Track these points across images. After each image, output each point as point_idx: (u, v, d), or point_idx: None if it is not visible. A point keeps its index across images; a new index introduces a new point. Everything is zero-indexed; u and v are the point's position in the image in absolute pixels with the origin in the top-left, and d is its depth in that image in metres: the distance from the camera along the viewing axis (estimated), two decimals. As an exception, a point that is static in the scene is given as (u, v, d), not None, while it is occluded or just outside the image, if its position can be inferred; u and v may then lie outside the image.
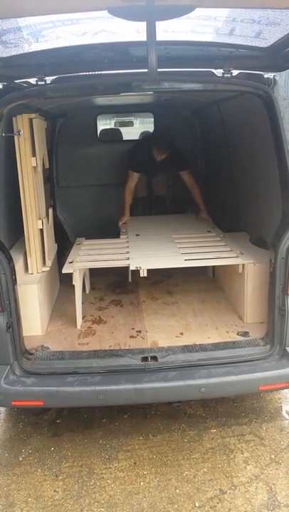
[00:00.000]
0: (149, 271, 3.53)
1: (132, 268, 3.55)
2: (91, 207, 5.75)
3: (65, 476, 2.98)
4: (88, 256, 3.95)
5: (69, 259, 3.77)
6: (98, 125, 6.10)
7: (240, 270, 3.57)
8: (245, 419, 3.45)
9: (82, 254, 3.99)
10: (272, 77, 3.06)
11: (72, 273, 3.58)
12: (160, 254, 3.85)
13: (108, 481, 2.92)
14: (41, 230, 3.71)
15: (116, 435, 3.32)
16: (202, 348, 3.18)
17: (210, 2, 2.09)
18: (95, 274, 4.61)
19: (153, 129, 6.23)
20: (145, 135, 6.45)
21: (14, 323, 2.92)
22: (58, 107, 4.66)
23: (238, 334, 3.39)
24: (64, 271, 3.59)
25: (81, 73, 3.05)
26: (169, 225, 4.82)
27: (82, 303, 3.90)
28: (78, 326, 3.61)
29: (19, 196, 3.55)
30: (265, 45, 2.76)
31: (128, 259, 3.73)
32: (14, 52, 2.70)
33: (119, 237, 4.52)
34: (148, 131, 6.70)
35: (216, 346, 3.19)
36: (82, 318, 3.75)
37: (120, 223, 4.94)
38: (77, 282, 3.62)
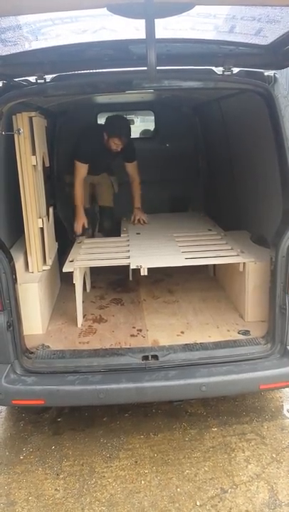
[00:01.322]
0: (149, 269, 3.53)
1: (132, 267, 3.54)
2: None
3: (66, 474, 2.98)
4: (89, 255, 3.95)
5: (69, 258, 3.77)
6: (99, 123, 6.08)
7: (241, 269, 3.56)
8: (247, 417, 3.45)
9: (82, 252, 3.99)
10: (272, 74, 3.04)
11: (72, 272, 3.57)
12: (161, 253, 3.85)
13: (109, 479, 2.92)
14: (42, 229, 3.71)
15: (117, 434, 3.32)
16: (203, 346, 3.18)
17: (209, -1, 2.08)
18: (95, 272, 4.61)
19: (154, 126, 6.23)
20: (93, 123, 5.84)
21: (15, 322, 2.92)
22: (58, 105, 4.65)
23: (238, 333, 3.39)
24: (64, 270, 3.58)
25: (81, 71, 3.04)
26: (170, 224, 4.81)
27: (83, 301, 3.90)
28: (79, 325, 3.61)
29: (19, 195, 3.54)
30: (266, 43, 2.74)
31: (129, 257, 3.73)
32: (14, 50, 2.68)
33: (120, 235, 4.51)
34: (149, 130, 6.69)
35: (217, 345, 3.19)
36: (83, 317, 3.74)
37: (79, 232, 4.48)
38: (77, 281, 3.62)
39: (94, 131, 4.67)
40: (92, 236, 5.05)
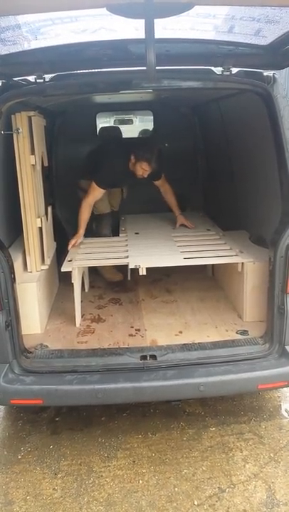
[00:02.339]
0: (148, 269, 3.53)
1: (131, 266, 3.54)
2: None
3: (64, 474, 2.99)
4: (87, 254, 3.95)
5: (68, 258, 3.77)
6: (97, 123, 6.09)
7: (240, 269, 3.56)
8: (245, 417, 3.46)
9: (81, 252, 3.98)
10: (271, 75, 3.05)
11: (71, 271, 3.57)
12: (159, 253, 3.85)
13: (107, 479, 2.93)
14: (40, 229, 3.70)
15: (115, 433, 3.32)
16: (201, 346, 3.18)
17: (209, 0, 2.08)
18: (94, 272, 4.61)
19: (153, 126, 6.23)
20: (115, 139, 5.37)
21: (13, 322, 2.92)
22: (57, 105, 4.65)
23: (237, 333, 3.39)
24: (63, 269, 3.58)
25: (80, 71, 3.04)
26: (169, 224, 4.81)
27: (82, 301, 3.90)
28: (77, 325, 3.61)
29: (18, 194, 3.54)
30: (265, 43, 2.75)
31: (127, 257, 3.73)
32: (13, 49, 2.68)
33: (119, 235, 4.51)
34: (147, 130, 6.68)
35: (215, 345, 3.19)
36: (82, 317, 3.74)
37: (70, 246, 4.03)
38: (76, 281, 3.62)
39: (120, 151, 4.27)
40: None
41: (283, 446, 3.16)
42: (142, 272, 3.50)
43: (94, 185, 4.15)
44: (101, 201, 4.43)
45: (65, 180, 5.46)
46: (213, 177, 5.54)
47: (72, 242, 4.08)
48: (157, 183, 4.61)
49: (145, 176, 4.13)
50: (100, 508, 2.71)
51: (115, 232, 4.70)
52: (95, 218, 4.62)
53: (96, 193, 4.18)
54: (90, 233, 4.61)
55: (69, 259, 3.72)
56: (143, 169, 4.07)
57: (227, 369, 2.94)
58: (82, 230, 4.18)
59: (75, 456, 3.13)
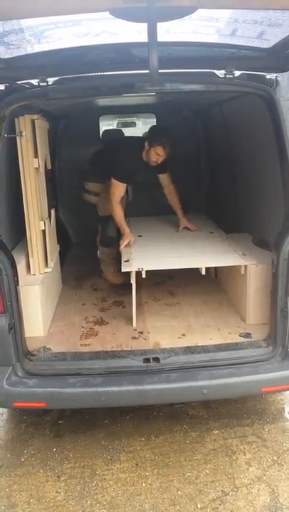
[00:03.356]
0: (151, 272, 3.53)
1: (134, 269, 3.54)
2: (94, 207, 5.74)
3: (67, 477, 2.98)
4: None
5: (124, 258, 3.76)
6: (100, 126, 6.10)
7: (243, 271, 3.56)
8: (248, 420, 3.45)
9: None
10: (274, 78, 3.05)
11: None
12: (162, 255, 3.85)
13: (110, 482, 2.92)
14: (43, 231, 3.71)
15: (118, 436, 3.32)
16: (204, 349, 3.18)
17: (211, 3, 2.08)
18: (97, 274, 4.62)
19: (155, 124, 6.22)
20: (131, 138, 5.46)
21: (16, 325, 2.92)
22: (60, 108, 4.66)
23: (240, 335, 3.39)
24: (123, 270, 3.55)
25: (83, 74, 3.05)
26: (172, 226, 4.81)
27: (84, 304, 3.90)
28: (134, 325, 3.60)
29: (21, 197, 3.55)
30: (267, 46, 2.75)
31: (128, 260, 3.73)
32: (16, 53, 2.70)
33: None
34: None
35: (218, 347, 3.19)
36: (85, 319, 3.75)
37: (123, 246, 4.03)
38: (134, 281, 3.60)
39: (133, 146, 4.36)
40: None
41: (287, 449, 3.15)
42: (143, 274, 3.51)
43: (115, 181, 4.17)
44: (107, 202, 4.41)
45: (69, 183, 5.48)
46: (215, 179, 5.54)
47: (125, 242, 4.08)
48: (162, 177, 4.61)
49: (159, 161, 4.16)
50: (103, 511, 2.71)
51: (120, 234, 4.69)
52: (100, 220, 4.63)
53: (120, 188, 4.19)
54: (94, 235, 4.62)
55: (125, 260, 3.69)
56: (158, 154, 4.10)
57: (230, 372, 2.93)
58: (127, 229, 4.19)
59: (78, 459, 3.13)
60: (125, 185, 4.26)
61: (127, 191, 4.89)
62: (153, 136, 4.20)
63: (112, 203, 4.19)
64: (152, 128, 4.56)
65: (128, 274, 3.61)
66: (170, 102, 5.24)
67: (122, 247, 4.03)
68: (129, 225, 4.92)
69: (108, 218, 4.47)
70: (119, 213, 4.21)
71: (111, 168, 4.22)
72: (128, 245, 4.06)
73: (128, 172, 4.25)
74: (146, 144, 4.15)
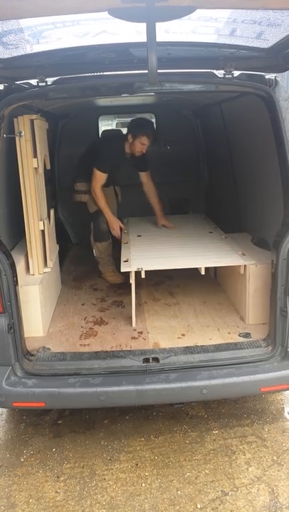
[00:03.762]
0: (150, 272, 3.53)
1: (133, 269, 3.54)
2: None
3: (67, 477, 2.98)
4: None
5: (123, 258, 3.77)
6: (100, 126, 6.10)
7: (242, 271, 3.56)
8: (247, 420, 3.45)
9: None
10: (273, 77, 3.05)
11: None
12: (161, 255, 3.85)
13: (110, 482, 2.92)
14: (43, 231, 3.71)
15: (118, 436, 3.32)
16: (204, 349, 3.18)
17: (210, 3, 2.08)
18: (96, 274, 4.62)
19: (155, 121, 6.23)
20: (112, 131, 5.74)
21: (15, 325, 2.92)
22: (59, 108, 4.66)
23: (239, 335, 3.39)
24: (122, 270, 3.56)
25: (82, 74, 3.05)
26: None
27: (83, 304, 3.89)
28: (133, 325, 3.61)
29: (20, 197, 3.55)
30: (266, 46, 2.76)
31: (129, 260, 3.73)
32: (15, 53, 2.70)
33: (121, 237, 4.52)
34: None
35: (218, 347, 3.19)
36: (84, 319, 3.75)
37: (118, 232, 4.45)
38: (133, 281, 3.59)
39: (114, 139, 4.66)
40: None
41: (286, 449, 3.15)
42: (142, 274, 3.51)
43: (96, 171, 4.37)
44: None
45: (68, 184, 5.48)
46: (215, 179, 5.54)
47: (116, 227, 4.46)
48: (143, 175, 4.78)
49: (144, 151, 4.38)
50: (102, 511, 2.71)
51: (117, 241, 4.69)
52: (91, 216, 4.72)
53: (101, 178, 4.39)
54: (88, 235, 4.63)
55: (125, 260, 3.70)
56: (142, 144, 4.33)
57: (230, 372, 2.93)
58: (112, 215, 4.50)
59: (77, 459, 3.13)
60: (106, 175, 4.42)
61: (116, 193, 5.01)
62: (135, 128, 4.40)
63: (95, 190, 4.40)
64: (132, 121, 4.69)
65: (127, 273, 3.61)
66: (169, 101, 5.24)
67: (116, 233, 4.40)
68: (128, 225, 4.94)
69: (98, 212, 4.59)
70: (102, 200, 4.43)
71: (95, 163, 4.42)
72: (120, 229, 4.41)
73: (109, 163, 4.43)
74: (129, 136, 4.35)
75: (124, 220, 5.13)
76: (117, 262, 3.83)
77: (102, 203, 4.43)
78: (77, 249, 5.59)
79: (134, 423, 3.44)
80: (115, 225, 4.49)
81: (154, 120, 6.17)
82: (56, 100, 3.76)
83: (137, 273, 3.54)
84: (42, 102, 3.73)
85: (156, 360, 3.02)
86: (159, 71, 2.26)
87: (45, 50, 2.76)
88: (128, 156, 4.48)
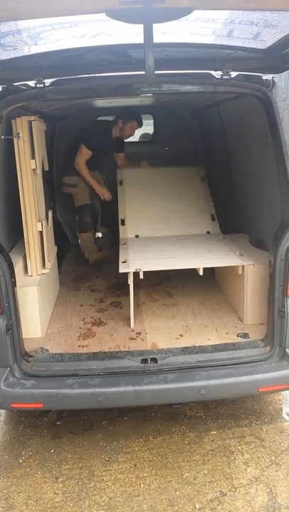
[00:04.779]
0: (148, 272, 3.53)
1: (131, 270, 3.55)
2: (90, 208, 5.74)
3: (65, 478, 2.98)
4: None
5: (122, 259, 3.78)
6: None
7: (240, 271, 3.56)
8: (246, 420, 3.45)
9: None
10: (270, 78, 3.06)
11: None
12: (160, 256, 3.86)
13: (108, 483, 2.92)
14: (41, 232, 3.71)
15: (116, 437, 3.32)
16: (202, 349, 3.18)
17: (208, 4, 2.09)
18: (94, 276, 4.62)
19: (153, 130, 6.26)
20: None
21: (14, 326, 2.92)
22: (57, 109, 4.67)
23: (237, 336, 3.39)
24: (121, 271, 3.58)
25: (80, 76, 3.05)
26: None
27: (82, 305, 3.89)
28: (132, 325, 3.61)
29: (19, 198, 3.55)
30: (264, 47, 2.76)
31: (126, 261, 3.73)
32: (13, 55, 2.70)
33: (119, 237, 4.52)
34: (148, 134, 6.70)
35: (216, 348, 3.19)
36: (82, 320, 3.75)
37: (109, 197, 5.03)
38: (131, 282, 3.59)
39: (100, 122, 5.34)
40: (95, 230, 5.33)
41: (284, 450, 3.16)
42: (140, 275, 3.51)
43: (82, 146, 4.83)
44: (82, 194, 5.08)
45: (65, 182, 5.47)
46: (212, 180, 5.54)
47: (103, 190, 5.04)
48: (120, 156, 5.35)
49: (133, 135, 5.09)
50: (101, 512, 2.71)
51: (117, 224, 4.76)
52: (77, 210, 5.19)
53: (84, 153, 4.85)
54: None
55: (123, 261, 3.72)
56: (132, 128, 4.97)
57: (228, 372, 2.94)
58: (96, 182, 5.05)
59: (76, 460, 3.13)
60: (91, 153, 4.85)
61: (104, 180, 5.42)
62: (126, 114, 4.95)
63: (79, 163, 4.87)
64: (122, 109, 5.14)
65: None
66: (167, 103, 5.25)
67: (108, 196, 5.01)
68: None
69: (84, 207, 5.13)
70: (86, 170, 4.91)
71: (82, 138, 4.89)
72: (107, 195, 5.02)
73: (95, 142, 4.87)
74: (119, 121, 4.92)
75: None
76: (115, 262, 3.83)
77: (85, 173, 4.91)
78: (75, 250, 5.58)
79: (133, 424, 3.44)
80: (102, 190, 5.05)
81: (152, 121, 6.20)
82: (54, 101, 3.76)
83: (135, 274, 3.54)
84: (40, 103, 3.73)
85: (154, 360, 3.02)
86: (156, 72, 2.27)
87: (43, 52, 2.76)
88: (114, 139, 5.02)
